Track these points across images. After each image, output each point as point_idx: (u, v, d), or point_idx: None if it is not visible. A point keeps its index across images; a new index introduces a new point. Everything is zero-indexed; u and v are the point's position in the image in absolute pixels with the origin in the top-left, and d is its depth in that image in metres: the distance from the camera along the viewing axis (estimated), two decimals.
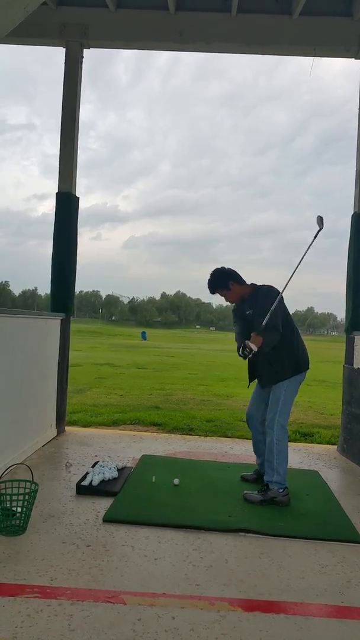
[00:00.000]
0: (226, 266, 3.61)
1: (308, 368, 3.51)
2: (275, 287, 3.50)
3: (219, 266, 3.61)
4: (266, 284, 3.56)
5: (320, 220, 3.36)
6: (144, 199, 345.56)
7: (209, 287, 3.58)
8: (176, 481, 3.57)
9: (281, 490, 3.29)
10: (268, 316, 3.25)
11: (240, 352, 3.40)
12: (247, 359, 3.43)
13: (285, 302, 3.48)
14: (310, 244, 3.36)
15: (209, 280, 3.57)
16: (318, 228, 3.34)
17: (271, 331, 3.30)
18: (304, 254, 3.39)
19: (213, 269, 3.59)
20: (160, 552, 2.57)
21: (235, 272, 3.59)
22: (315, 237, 3.34)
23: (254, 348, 3.27)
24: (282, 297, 3.36)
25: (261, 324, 3.26)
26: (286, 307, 3.51)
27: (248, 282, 3.61)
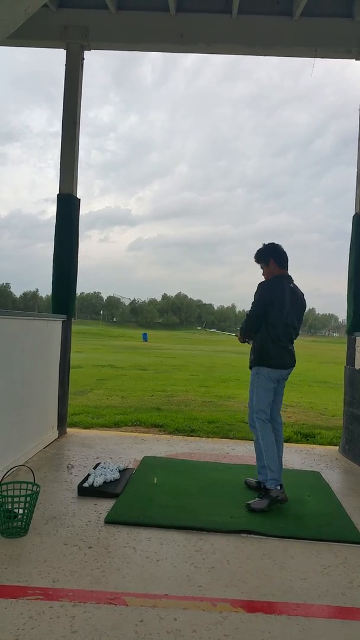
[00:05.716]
0: (281, 246, 3.65)
1: (276, 367, 3.41)
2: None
3: (276, 242, 3.67)
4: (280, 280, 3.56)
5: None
6: (158, 201, 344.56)
7: (255, 255, 3.67)
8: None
9: (278, 487, 3.25)
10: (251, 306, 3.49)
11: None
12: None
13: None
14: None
15: (259, 249, 3.66)
16: None
17: (246, 319, 3.51)
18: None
19: (269, 242, 3.68)
20: (162, 553, 2.57)
21: (284, 254, 3.62)
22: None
23: (238, 340, 3.70)
24: (281, 296, 3.41)
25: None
26: (284, 307, 3.43)
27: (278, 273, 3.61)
